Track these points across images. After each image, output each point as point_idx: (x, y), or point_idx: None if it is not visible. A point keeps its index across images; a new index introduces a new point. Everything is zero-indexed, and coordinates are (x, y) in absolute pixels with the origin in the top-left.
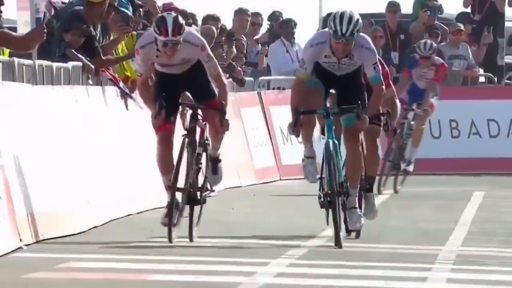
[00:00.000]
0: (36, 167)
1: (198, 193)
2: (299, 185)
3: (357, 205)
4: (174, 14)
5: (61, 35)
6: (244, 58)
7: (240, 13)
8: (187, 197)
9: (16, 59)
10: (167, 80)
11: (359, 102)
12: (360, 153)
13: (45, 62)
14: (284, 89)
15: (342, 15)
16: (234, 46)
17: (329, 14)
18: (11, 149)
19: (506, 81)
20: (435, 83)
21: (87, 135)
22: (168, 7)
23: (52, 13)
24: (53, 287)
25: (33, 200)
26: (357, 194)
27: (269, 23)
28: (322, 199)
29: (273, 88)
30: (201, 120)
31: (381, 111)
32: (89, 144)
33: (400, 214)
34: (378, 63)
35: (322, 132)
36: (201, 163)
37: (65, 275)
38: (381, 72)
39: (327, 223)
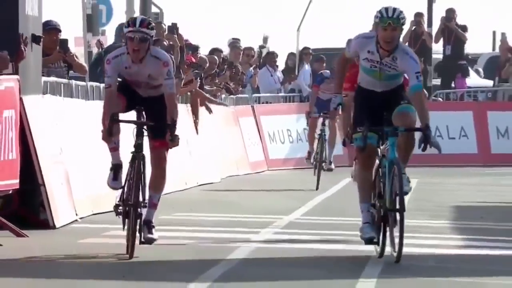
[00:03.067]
0: (86, 161)
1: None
2: (282, 174)
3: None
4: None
5: None
6: (240, 80)
7: (235, 47)
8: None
9: (73, 81)
10: (129, 94)
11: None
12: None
13: (95, 83)
14: (270, 102)
15: (387, 6)
16: (231, 72)
17: (306, 47)
18: (70, 148)
19: (433, 98)
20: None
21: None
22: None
23: (101, 49)
24: (100, 248)
25: (85, 186)
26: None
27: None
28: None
29: (262, 103)
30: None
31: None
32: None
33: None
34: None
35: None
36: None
37: (109, 240)
38: (422, 81)
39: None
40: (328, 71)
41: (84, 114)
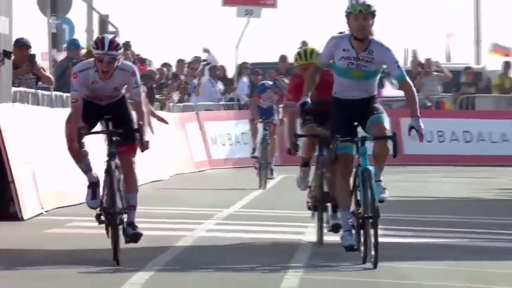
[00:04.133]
0: (51, 161)
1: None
2: (222, 172)
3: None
4: (113, 35)
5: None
6: (185, 90)
7: (180, 62)
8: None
9: (40, 91)
10: (90, 109)
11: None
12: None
13: (58, 93)
14: (212, 110)
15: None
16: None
17: (244, 62)
18: (37, 149)
19: None
20: (279, 105)
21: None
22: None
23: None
24: (64, 238)
25: (50, 182)
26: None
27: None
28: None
29: (205, 110)
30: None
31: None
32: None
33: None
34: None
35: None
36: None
37: (71, 230)
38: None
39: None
40: (270, 82)
41: (49, 120)
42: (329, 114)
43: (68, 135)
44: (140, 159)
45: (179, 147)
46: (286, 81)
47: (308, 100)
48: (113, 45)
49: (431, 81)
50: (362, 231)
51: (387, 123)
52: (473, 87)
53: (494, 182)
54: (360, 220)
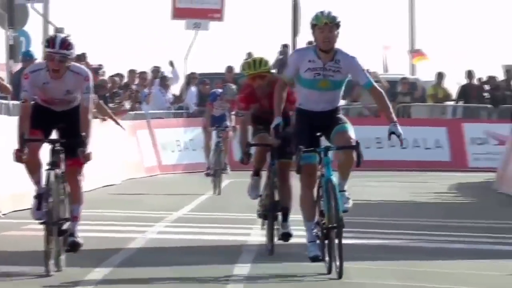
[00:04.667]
0: (8, 166)
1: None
2: (172, 177)
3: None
4: (65, 35)
5: None
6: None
7: (131, 72)
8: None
9: None
10: (45, 115)
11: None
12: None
13: (16, 102)
14: (162, 118)
15: (321, 10)
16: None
17: (192, 72)
18: None
19: None
20: (231, 112)
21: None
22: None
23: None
24: (20, 240)
25: (7, 186)
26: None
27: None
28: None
29: (156, 118)
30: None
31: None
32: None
33: (241, 193)
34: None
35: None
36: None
37: (28, 232)
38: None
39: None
40: (219, 89)
41: (7, 127)
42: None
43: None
44: (94, 163)
45: (130, 153)
46: (234, 87)
47: (280, 121)
48: (65, 44)
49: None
50: (326, 241)
51: (352, 133)
52: (409, 97)
53: (429, 186)
54: (325, 231)
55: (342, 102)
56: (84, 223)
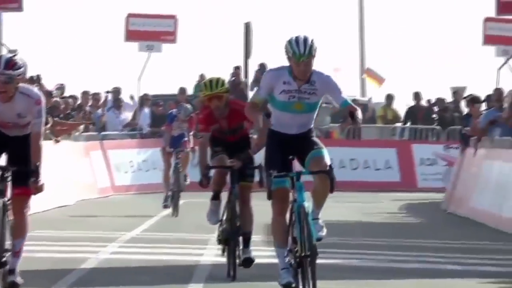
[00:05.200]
0: None
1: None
2: (125, 198)
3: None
4: (12, 54)
5: None
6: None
7: (85, 94)
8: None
9: None
10: None
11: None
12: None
13: None
14: (116, 139)
15: (297, 38)
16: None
17: (145, 94)
18: None
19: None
20: (189, 132)
21: None
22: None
23: None
24: None
25: None
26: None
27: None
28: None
29: (110, 139)
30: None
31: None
32: None
33: (194, 213)
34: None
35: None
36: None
37: None
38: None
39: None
40: (175, 110)
41: None
42: (240, 143)
43: None
44: (48, 184)
45: (84, 174)
46: (189, 107)
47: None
48: (10, 64)
49: (320, 112)
50: (300, 270)
51: (327, 159)
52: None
53: (380, 206)
54: (298, 259)
55: None
56: (38, 243)
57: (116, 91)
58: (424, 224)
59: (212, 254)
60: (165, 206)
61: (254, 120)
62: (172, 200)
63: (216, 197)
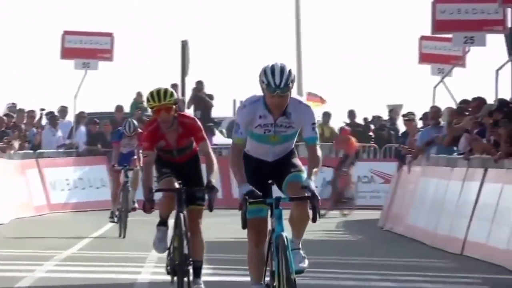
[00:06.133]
0: None
1: None
2: (61, 216)
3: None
4: None
5: None
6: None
7: (20, 111)
8: None
9: None
10: None
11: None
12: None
13: None
14: (52, 157)
15: (273, 67)
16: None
17: (81, 112)
18: None
19: None
20: (139, 148)
21: None
22: None
23: None
24: None
25: None
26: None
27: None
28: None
29: (45, 157)
30: None
31: None
32: None
33: (131, 231)
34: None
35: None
36: None
37: None
38: (318, 134)
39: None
40: (122, 127)
41: None
42: (189, 165)
43: None
44: None
45: (19, 192)
46: (135, 122)
47: (250, 187)
48: None
49: None
50: None
51: (309, 183)
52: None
53: (317, 224)
54: None
55: (230, 141)
56: None
57: (63, 110)
58: (361, 241)
59: (149, 272)
60: (112, 221)
61: (235, 166)
62: (119, 220)
63: (163, 223)
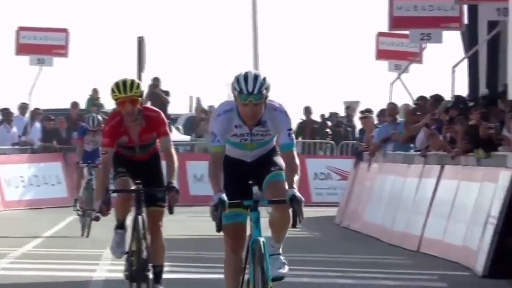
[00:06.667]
0: None
1: None
2: (16, 213)
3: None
4: None
5: None
6: None
7: None
8: None
9: None
10: None
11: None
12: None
13: None
14: (6, 154)
15: (246, 74)
16: None
17: (36, 108)
18: None
19: None
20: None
21: None
22: None
23: None
24: None
25: None
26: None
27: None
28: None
29: (1, 154)
30: None
31: None
32: None
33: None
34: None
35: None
36: None
37: None
38: (294, 140)
39: None
40: (85, 123)
41: None
42: (150, 163)
43: None
44: None
45: None
46: (99, 116)
47: (224, 198)
48: None
49: None
50: None
51: (286, 184)
52: None
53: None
54: None
55: (186, 138)
56: None
57: (23, 107)
58: (318, 238)
59: (105, 270)
60: (75, 210)
61: (213, 175)
62: (82, 219)
63: (120, 227)
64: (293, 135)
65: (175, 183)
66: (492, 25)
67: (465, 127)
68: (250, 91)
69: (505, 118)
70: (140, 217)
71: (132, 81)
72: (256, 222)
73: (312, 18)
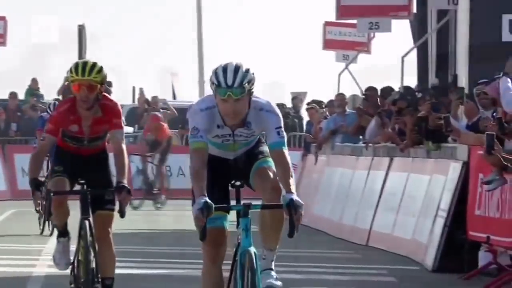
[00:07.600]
0: None
1: None
2: None
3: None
4: None
5: None
6: None
7: None
8: None
9: None
10: None
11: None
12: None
13: None
14: None
15: (225, 65)
16: None
17: None
18: None
19: None
20: None
21: None
22: None
23: None
24: None
25: None
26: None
27: None
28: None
29: None
30: None
31: None
32: None
33: (24, 223)
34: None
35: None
36: None
37: None
38: (285, 138)
39: None
40: (44, 113)
41: None
42: (96, 160)
43: None
44: None
45: None
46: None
47: (207, 201)
48: None
49: None
50: None
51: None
52: None
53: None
54: None
55: (129, 129)
56: None
57: None
58: None
59: (45, 265)
60: (37, 211)
61: (197, 175)
62: (41, 217)
63: (63, 234)
64: (284, 133)
65: (125, 182)
66: (441, 14)
67: (415, 118)
68: (230, 84)
69: (451, 105)
70: (86, 222)
71: (94, 64)
72: (247, 230)
73: (258, 6)
